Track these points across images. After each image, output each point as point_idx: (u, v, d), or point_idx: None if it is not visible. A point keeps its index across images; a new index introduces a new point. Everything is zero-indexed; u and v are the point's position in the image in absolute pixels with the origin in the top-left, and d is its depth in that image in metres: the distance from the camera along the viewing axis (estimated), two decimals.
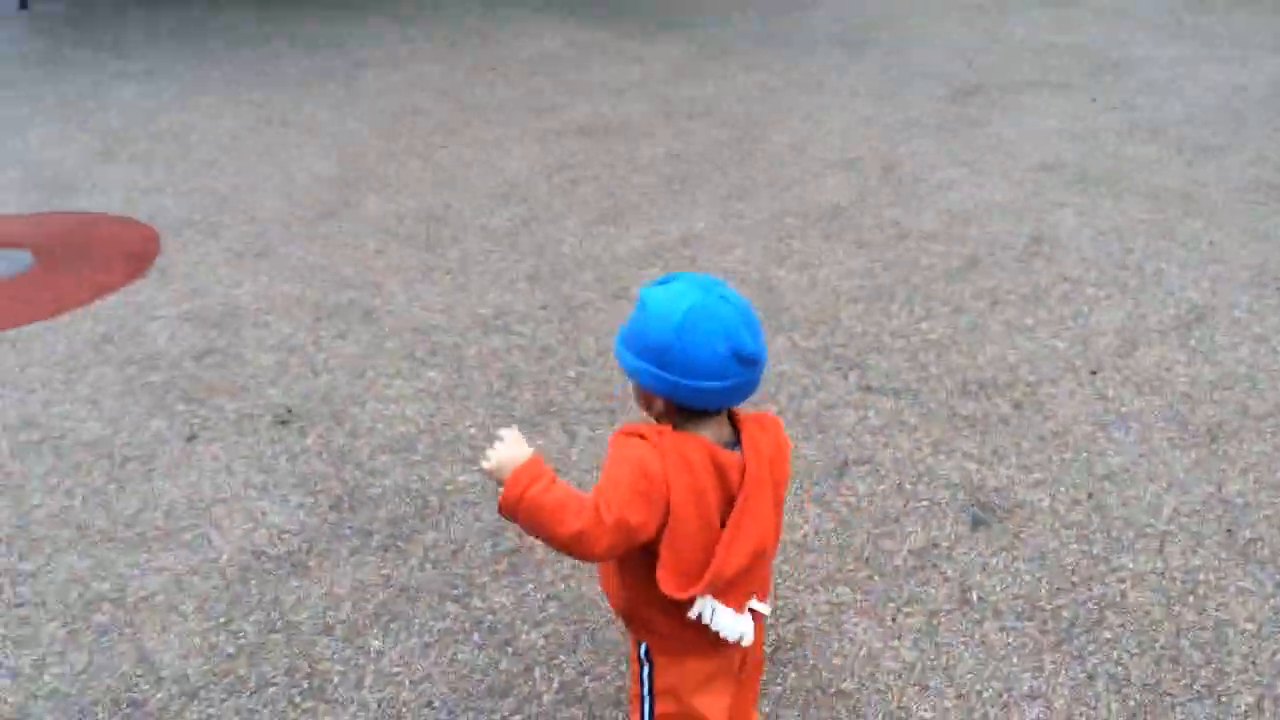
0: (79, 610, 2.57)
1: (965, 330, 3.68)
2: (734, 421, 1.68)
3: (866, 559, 2.68)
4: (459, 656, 2.42)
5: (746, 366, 1.59)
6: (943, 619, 2.48)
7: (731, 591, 1.66)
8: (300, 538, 2.79)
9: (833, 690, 2.31)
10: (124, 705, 2.30)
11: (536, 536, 1.61)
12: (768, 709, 2.26)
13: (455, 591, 2.60)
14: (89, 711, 2.29)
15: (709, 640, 1.69)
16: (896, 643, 2.43)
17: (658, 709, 1.79)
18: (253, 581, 2.65)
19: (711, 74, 6.46)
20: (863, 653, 2.40)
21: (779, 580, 2.59)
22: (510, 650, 2.43)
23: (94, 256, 4.35)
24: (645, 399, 1.67)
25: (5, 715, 2.29)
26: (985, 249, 4.25)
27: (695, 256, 4.07)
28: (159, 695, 2.33)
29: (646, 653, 1.78)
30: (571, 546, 1.56)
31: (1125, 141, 5.32)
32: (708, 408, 1.62)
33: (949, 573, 2.62)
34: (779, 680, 2.34)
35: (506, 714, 2.27)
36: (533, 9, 7.93)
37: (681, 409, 1.63)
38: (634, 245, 4.26)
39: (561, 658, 2.41)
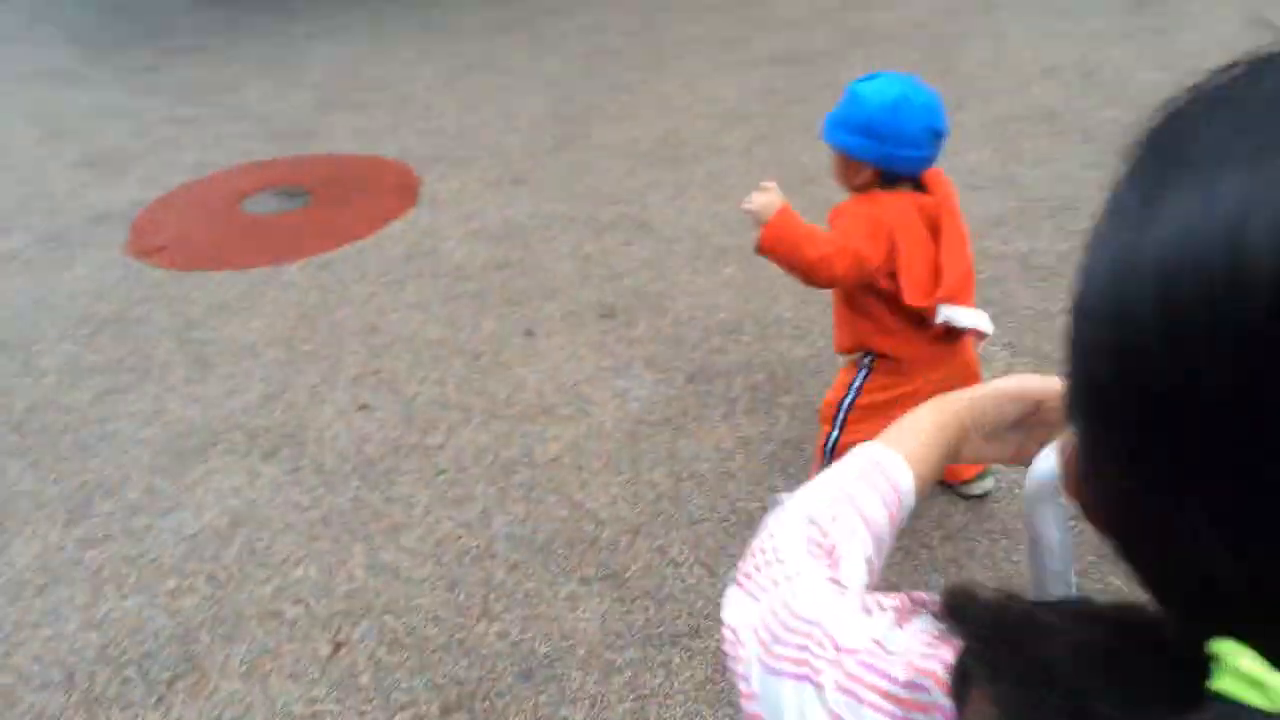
0: (498, 473, 2.86)
1: None
2: (917, 183, 2.12)
3: None
4: None
5: (937, 139, 2.03)
6: None
7: (960, 296, 2.11)
8: (671, 406, 3.07)
9: None
10: (578, 542, 2.59)
11: (790, 265, 2.04)
12: None
13: None
14: (547, 547, 2.58)
15: (935, 349, 2.19)
16: None
17: (862, 398, 2.29)
18: (643, 443, 2.93)
19: (882, 4, 6.62)
20: None
21: None
22: None
23: (364, 190, 4.66)
24: (852, 171, 2.10)
25: (475, 547, 2.59)
26: None
27: None
28: (606, 533, 2.62)
29: (870, 364, 2.27)
30: (818, 266, 2.01)
31: None
32: (906, 173, 2.07)
33: None
34: None
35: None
36: None
37: (885, 174, 2.07)
38: None
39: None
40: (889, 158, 2.05)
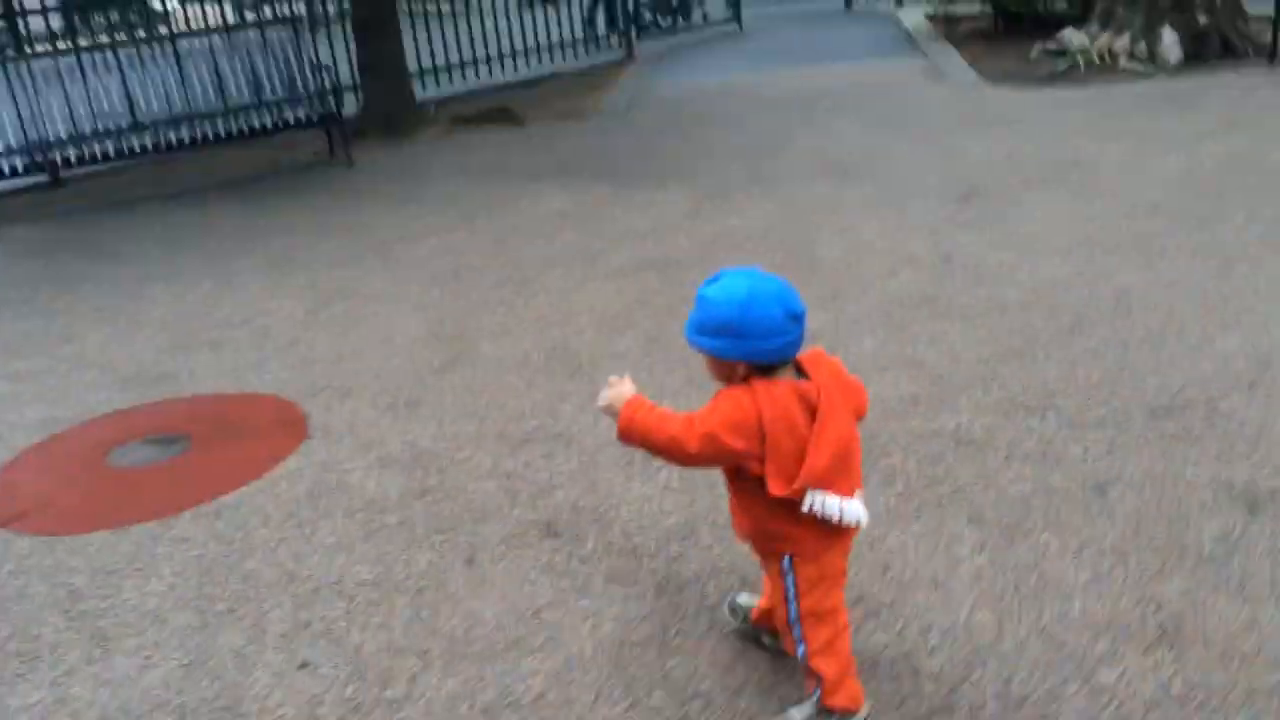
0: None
1: (1131, 360, 4.08)
2: (798, 366, 2.21)
3: None
4: None
5: (796, 323, 2.13)
6: None
7: (833, 483, 2.15)
8: (650, 623, 2.88)
9: None
10: None
11: (648, 447, 2.20)
12: None
13: None
14: None
15: (834, 533, 2.22)
16: None
17: (802, 606, 2.30)
18: (632, 666, 2.73)
19: (728, 210, 6.91)
20: None
21: None
22: None
23: (247, 429, 4.35)
24: (726, 370, 2.19)
25: None
26: (1082, 309, 4.70)
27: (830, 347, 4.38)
28: None
29: (790, 563, 2.28)
30: (670, 447, 2.15)
31: (1127, 218, 5.98)
32: (777, 361, 2.16)
33: None
34: None
35: None
36: (528, 178, 8.30)
37: (758, 367, 2.15)
38: None
39: None
40: (754, 352, 2.13)
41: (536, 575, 3.15)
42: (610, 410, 2.21)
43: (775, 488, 2.14)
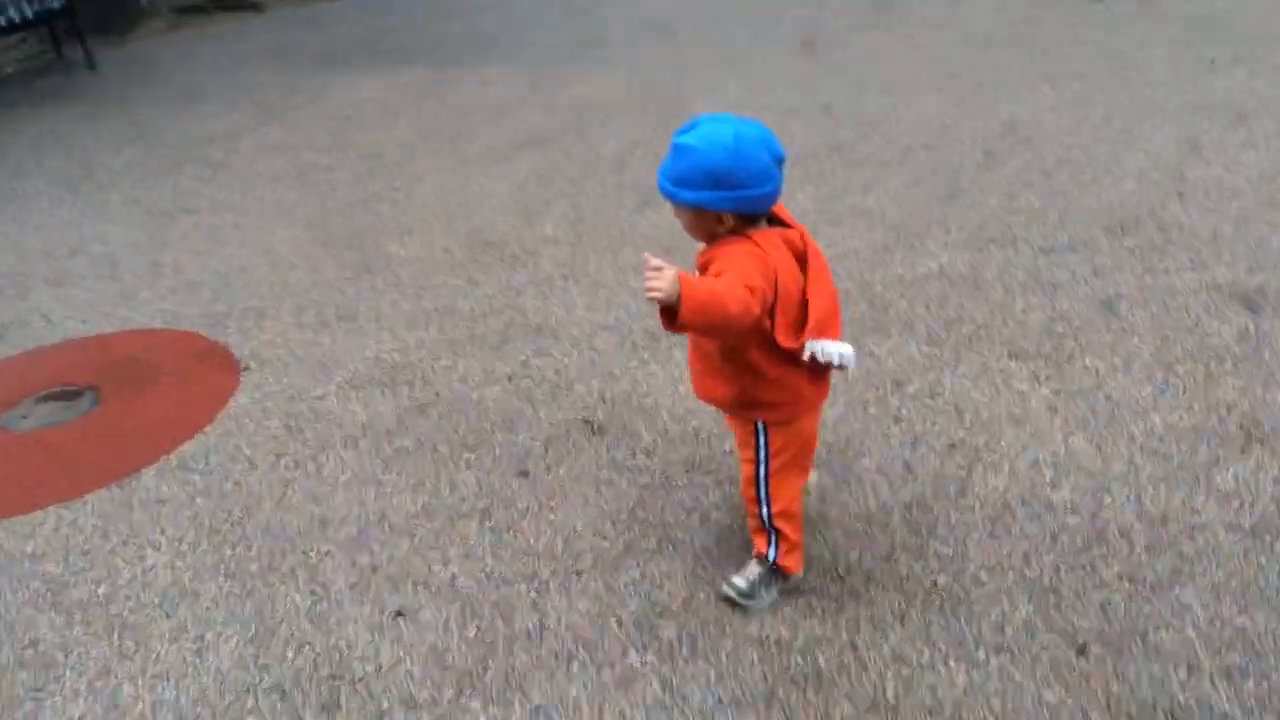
0: None
1: (1061, 186, 4.23)
2: (770, 217, 2.11)
3: None
4: None
5: (780, 167, 2.02)
6: None
7: (827, 329, 2.08)
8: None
9: None
10: None
11: (709, 328, 1.92)
12: None
13: None
14: None
15: (815, 387, 2.19)
16: None
17: (772, 465, 2.26)
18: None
19: (574, 79, 6.57)
20: None
21: None
22: None
23: (162, 370, 3.77)
24: (710, 224, 2.04)
25: None
26: (984, 143, 4.83)
27: None
28: None
29: (763, 428, 2.23)
30: (743, 317, 1.89)
31: (972, 50, 6.16)
32: (764, 210, 2.05)
33: None
34: None
35: None
36: (319, 64, 7.54)
37: (745, 217, 2.03)
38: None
39: None
40: (746, 200, 2.00)
41: (608, 475, 2.93)
42: (669, 296, 1.82)
43: (785, 339, 2.04)
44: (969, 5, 7.24)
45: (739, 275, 1.94)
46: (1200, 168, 4.34)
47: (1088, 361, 3.18)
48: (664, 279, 1.83)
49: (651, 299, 1.82)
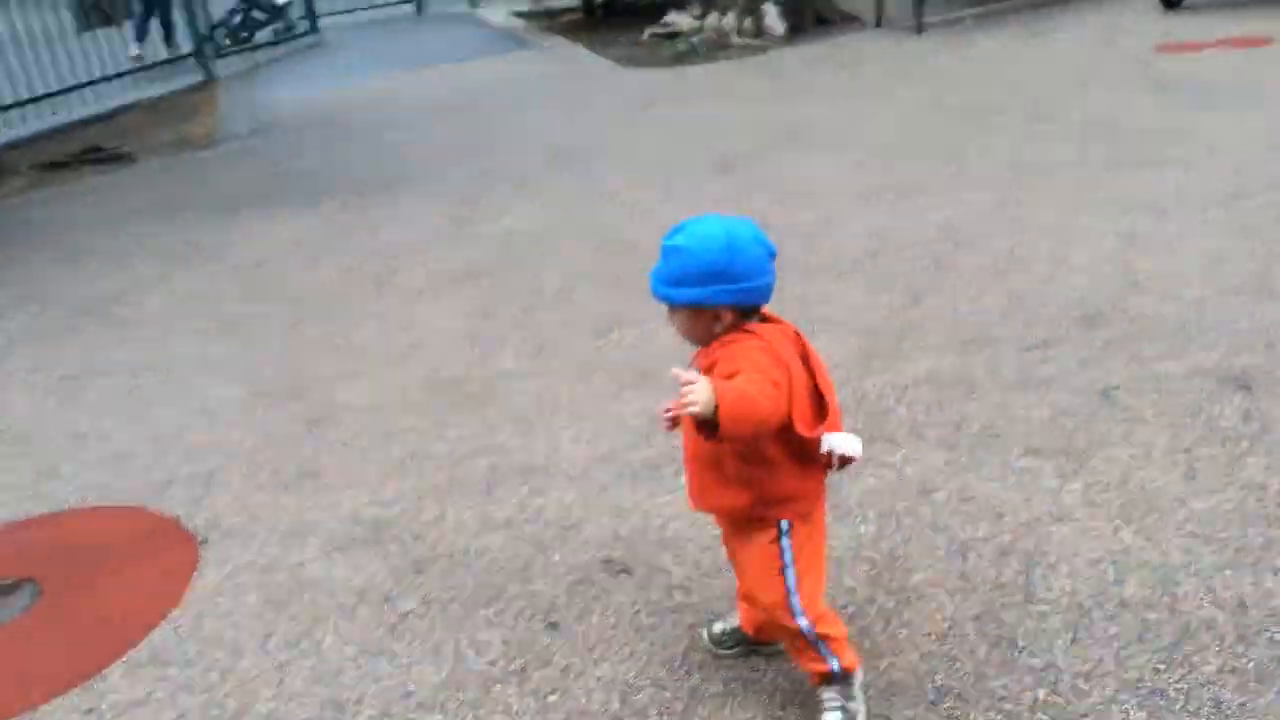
0: None
1: (1016, 285, 4.29)
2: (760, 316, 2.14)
3: None
4: None
5: (773, 260, 2.08)
6: None
7: (837, 421, 2.09)
8: None
9: None
10: None
11: (743, 434, 1.93)
12: None
13: None
14: None
15: (820, 483, 2.18)
16: None
17: (799, 569, 2.17)
18: None
19: (496, 211, 6.48)
20: None
21: None
22: None
23: (105, 552, 3.41)
24: (707, 322, 2.07)
25: None
26: (927, 248, 4.91)
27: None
28: None
29: (787, 529, 2.15)
30: (774, 417, 1.93)
31: (879, 164, 6.34)
32: (761, 302, 2.09)
33: None
34: None
35: None
36: (209, 211, 7.22)
37: (743, 312, 2.07)
38: None
39: None
40: (745, 294, 2.04)
41: (647, 618, 2.73)
42: (707, 409, 1.85)
43: (806, 430, 2.03)
44: (870, 120, 7.49)
45: (757, 372, 1.95)
46: (1146, 259, 4.48)
47: (1109, 454, 3.16)
48: (700, 391, 1.85)
49: (691, 414, 1.86)
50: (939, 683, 2.40)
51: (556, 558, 3.03)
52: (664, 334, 4.33)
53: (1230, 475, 2.98)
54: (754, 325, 2.08)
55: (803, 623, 2.18)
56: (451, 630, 2.79)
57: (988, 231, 5.03)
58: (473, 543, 3.17)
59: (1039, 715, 2.27)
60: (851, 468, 2.14)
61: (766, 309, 2.13)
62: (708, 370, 2.03)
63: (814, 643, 2.21)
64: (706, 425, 1.90)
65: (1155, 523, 2.82)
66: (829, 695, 2.27)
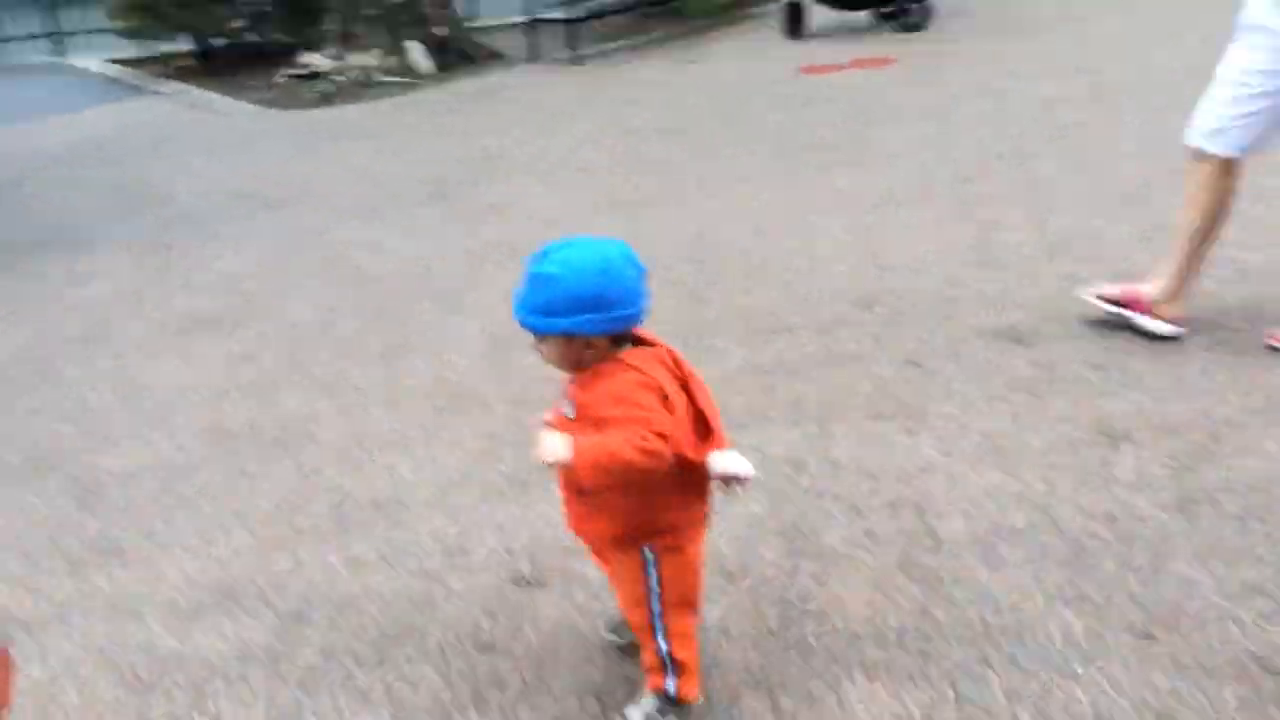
0: None
1: (817, 280, 4.60)
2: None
3: None
4: None
5: (644, 281, 2.03)
6: None
7: (722, 441, 2.13)
8: None
9: None
10: None
11: (615, 481, 1.97)
12: None
13: None
14: None
15: (702, 507, 2.19)
16: None
17: (666, 596, 2.16)
18: None
19: (205, 258, 5.97)
20: None
21: None
22: None
23: None
24: (578, 350, 2.01)
25: None
26: (701, 268, 5.14)
27: None
28: None
29: (655, 562, 2.13)
30: (648, 458, 1.90)
31: (603, 191, 6.54)
32: (634, 326, 2.04)
33: None
34: None
35: None
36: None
37: (615, 339, 2.02)
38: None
39: None
40: (619, 320, 1.99)
41: (584, 622, 2.67)
42: (563, 459, 1.91)
43: (694, 452, 2.05)
44: (566, 146, 7.66)
45: (636, 409, 1.93)
46: (884, 246, 4.98)
47: (941, 410, 3.49)
48: (546, 446, 1.92)
49: (546, 461, 1.92)
50: (893, 623, 2.55)
51: (457, 585, 2.88)
52: (459, 356, 4.24)
53: (1045, 413, 3.40)
54: (628, 353, 2.03)
55: (662, 645, 2.19)
56: (372, 673, 2.58)
57: (732, 236, 5.35)
58: (351, 585, 2.93)
59: (993, 635, 2.48)
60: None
61: (640, 329, 2.08)
62: (581, 409, 2.01)
63: (666, 665, 2.22)
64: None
65: (1010, 462, 3.16)
66: (651, 705, 2.27)
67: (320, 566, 3.03)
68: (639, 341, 2.07)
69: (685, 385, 2.07)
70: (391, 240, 5.92)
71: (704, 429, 2.09)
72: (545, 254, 1.98)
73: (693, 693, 2.26)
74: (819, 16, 10.60)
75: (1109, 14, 10.13)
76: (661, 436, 1.91)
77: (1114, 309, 3.84)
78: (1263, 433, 3.16)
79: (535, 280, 1.97)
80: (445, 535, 3.11)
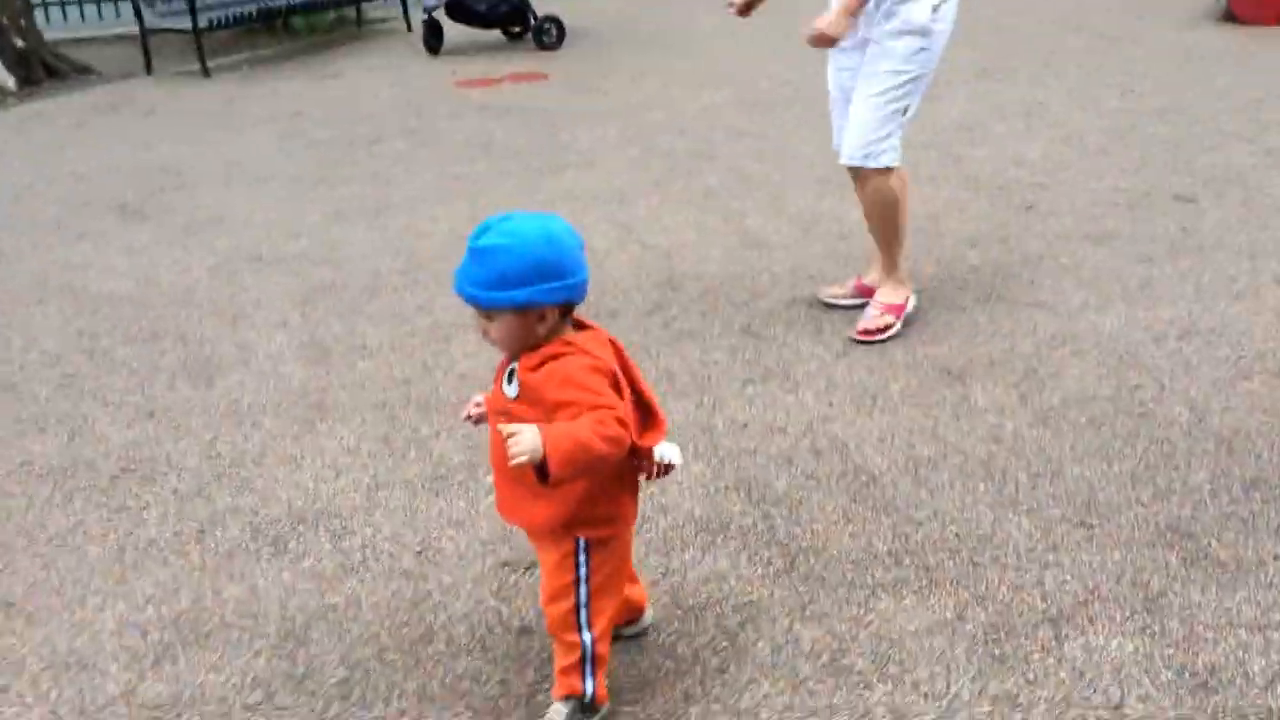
0: None
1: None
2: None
3: None
4: None
5: (583, 252, 2.05)
6: None
7: (663, 428, 2.14)
8: None
9: None
10: None
11: (583, 471, 1.96)
12: None
13: None
14: None
15: (635, 501, 2.21)
16: None
17: (593, 586, 2.14)
18: None
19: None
20: None
21: None
22: None
23: None
24: (530, 325, 1.99)
25: None
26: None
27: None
28: None
29: (586, 548, 2.12)
30: (613, 448, 1.92)
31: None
32: (582, 298, 2.05)
33: None
34: None
35: None
36: None
37: (564, 310, 2.03)
38: None
39: None
40: (573, 288, 1.99)
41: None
42: (535, 455, 1.87)
43: (641, 439, 2.05)
44: (249, 157, 7.23)
45: (594, 397, 1.93)
46: (650, 238, 5.28)
47: (802, 369, 3.87)
48: (524, 443, 1.85)
49: (516, 461, 1.86)
50: (882, 548, 2.87)
51: (448, 580, 2.82)
52: (282, 365, 3.98)
53: (891, 362, 3.87)
54: (574, 336, 2.03)
55: (585, 637, 2.16)
56: (416, 676, 2.48)
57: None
58: (325, 600, 2.77)
59: (968, 544, 2.87)
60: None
61: (577, 314, 2.09)
62: (527, 389, 2.00)
63: (586, 659, 2.18)
64: (537, 469, 1.89)
65: (888, 404, 3.60)
66: (562, 712, 2.24)
67: (275, 590, 2.82)
68: (580, 325, 2.08)
69: (626, 369, 2.07)
70: (106, 256, 5.35)
71: (648, 416, 2.10)
72: (486, 228, 1.96)
73: (606, 694, 2.26)
74: (450, 34, 10.64)
75: (723, 36, 11.10)
76: (621, 424, 1.92)
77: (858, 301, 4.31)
78: (1068, 362, 3.83)
79: (481, 254, 1.94)
80: (401, 537, 3.01)
